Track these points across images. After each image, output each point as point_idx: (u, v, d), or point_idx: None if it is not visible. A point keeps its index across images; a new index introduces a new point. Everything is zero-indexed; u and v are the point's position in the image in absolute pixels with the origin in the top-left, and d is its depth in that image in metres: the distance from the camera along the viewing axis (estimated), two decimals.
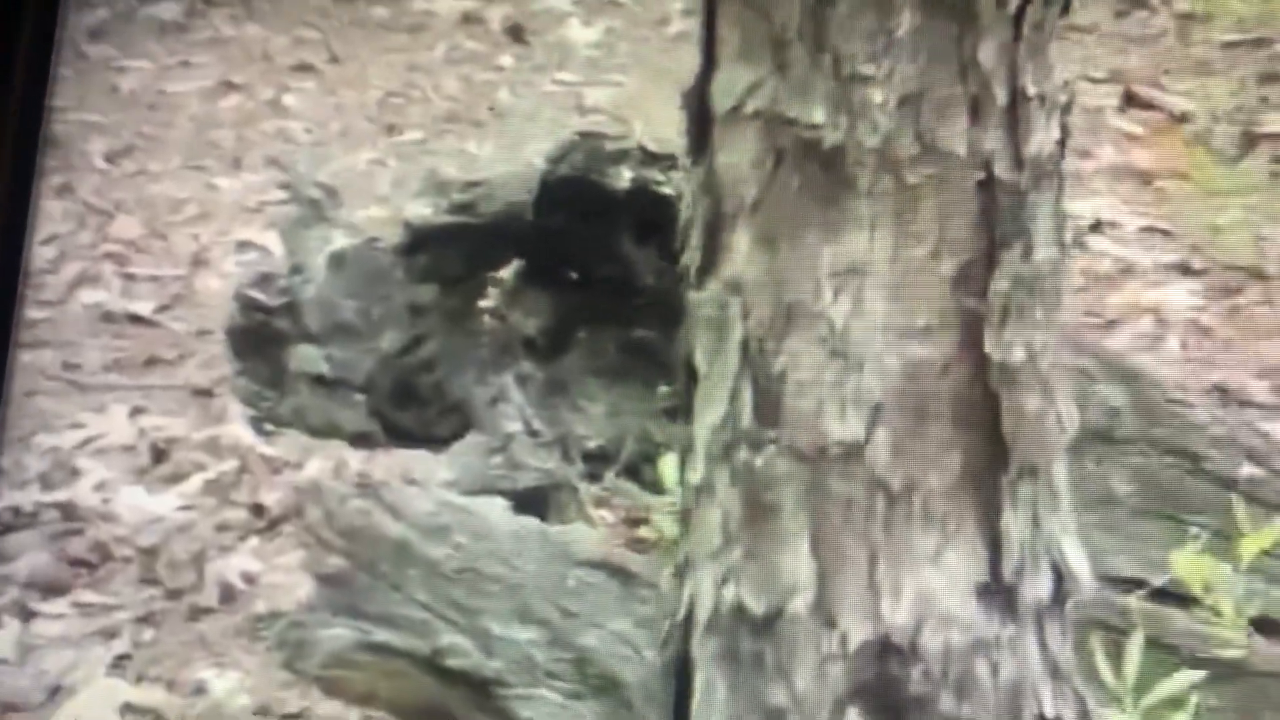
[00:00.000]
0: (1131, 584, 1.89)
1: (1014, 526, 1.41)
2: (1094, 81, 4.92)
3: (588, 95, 4.63)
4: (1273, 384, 3.09)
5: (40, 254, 4.47)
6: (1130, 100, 4.69)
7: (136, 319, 4.09)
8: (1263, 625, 1.95)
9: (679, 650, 1.48)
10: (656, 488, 2.53)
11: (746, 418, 1.42)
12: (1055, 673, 1.42)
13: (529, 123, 3.83)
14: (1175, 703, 1.64)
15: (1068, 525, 1.44)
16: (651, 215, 2.48)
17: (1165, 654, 1.79)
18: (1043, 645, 1.42)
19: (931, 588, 1.40)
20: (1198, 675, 1.71)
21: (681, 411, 1.49)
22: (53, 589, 3.03)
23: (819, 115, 1.40)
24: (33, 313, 4.23)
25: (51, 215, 4.75)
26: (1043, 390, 1.41)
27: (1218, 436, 2.20)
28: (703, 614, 1.45)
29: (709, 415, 1.44)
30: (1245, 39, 4.76)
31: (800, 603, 1.40)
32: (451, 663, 2.09)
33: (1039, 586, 1.43)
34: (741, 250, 1.44)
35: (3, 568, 3.07)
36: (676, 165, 2.30)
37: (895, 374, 1.41)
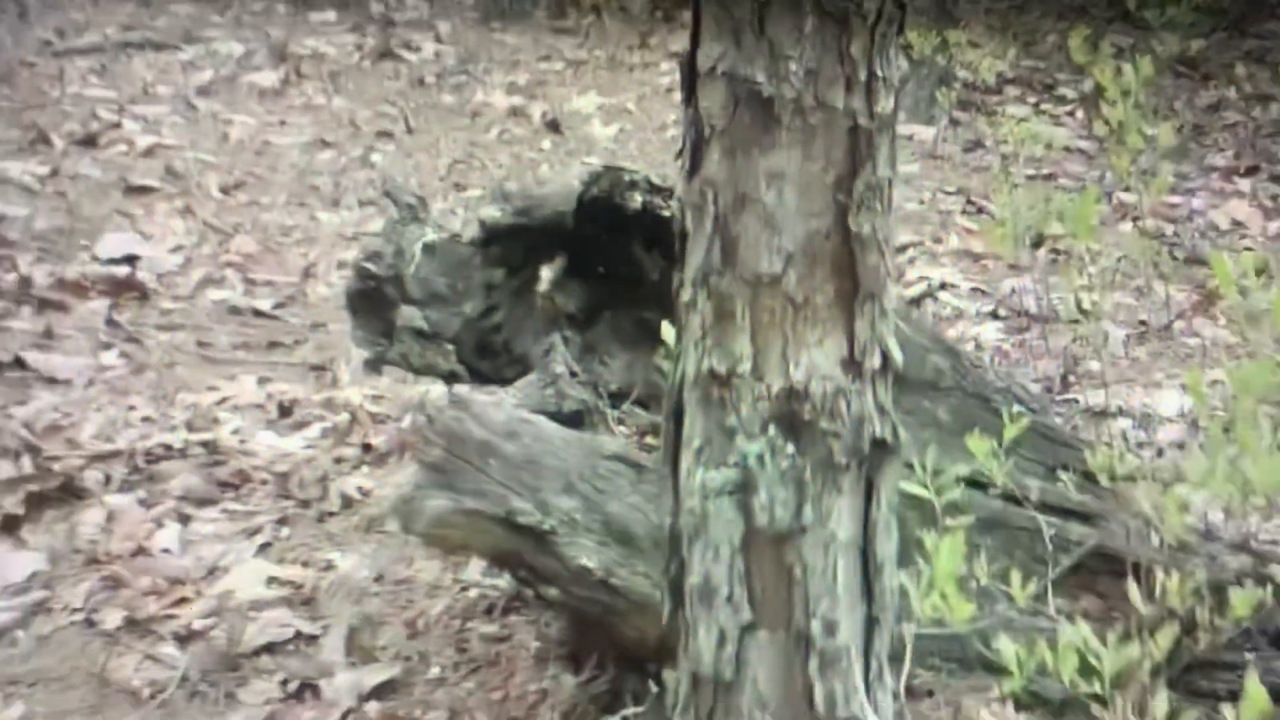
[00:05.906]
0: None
1: (861, 327, 1.89)
2: (947, 194, 6.30)
3: None
4: (1042, 384, 3.99)
5: (169, 259, 5.05)
6: (970, 205, 6.07)
7: (258, 313, 4.78)
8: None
9: (676, 400, 1.97)
10: (656, 413, 2.95)
11: (716, 260, 1.87)
12: (880, 410, 1.92)
13: None
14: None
15: (890, 329, 1.92)
16: (656, 229, 2.92)
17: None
18: (875, 394, 1.92)
19: (816, 360, 1.88)
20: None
21: (678, 261, 1.93)
22: (204, 501, 3.49)
23: (761, 77, 1.81)
24: (166, 304, 4.79)
25: (175, 230, 5.25)
26: (880, 251, 1.88)
27: (1000, 388, 2.81)
28: (689, 377, 1.94)
29: (694, 258, 1.89)
30: (1040, 173, 6.18)
31: (744, 367, 1.89)
32: (521, 520, 2.51)
33: (874, 361, 1.91)
34: (714, 160, 1.86)
35: (161, 485, 3.54)
36: (674, 195, 2.58)
37: (800, 236, 1.85)
